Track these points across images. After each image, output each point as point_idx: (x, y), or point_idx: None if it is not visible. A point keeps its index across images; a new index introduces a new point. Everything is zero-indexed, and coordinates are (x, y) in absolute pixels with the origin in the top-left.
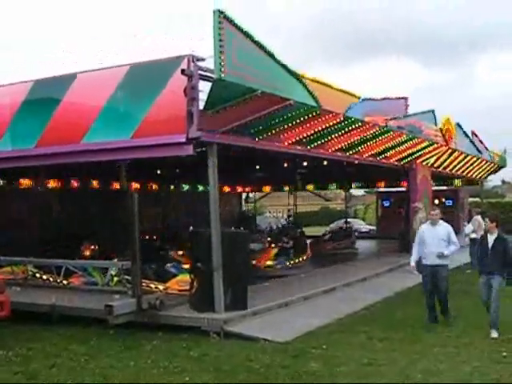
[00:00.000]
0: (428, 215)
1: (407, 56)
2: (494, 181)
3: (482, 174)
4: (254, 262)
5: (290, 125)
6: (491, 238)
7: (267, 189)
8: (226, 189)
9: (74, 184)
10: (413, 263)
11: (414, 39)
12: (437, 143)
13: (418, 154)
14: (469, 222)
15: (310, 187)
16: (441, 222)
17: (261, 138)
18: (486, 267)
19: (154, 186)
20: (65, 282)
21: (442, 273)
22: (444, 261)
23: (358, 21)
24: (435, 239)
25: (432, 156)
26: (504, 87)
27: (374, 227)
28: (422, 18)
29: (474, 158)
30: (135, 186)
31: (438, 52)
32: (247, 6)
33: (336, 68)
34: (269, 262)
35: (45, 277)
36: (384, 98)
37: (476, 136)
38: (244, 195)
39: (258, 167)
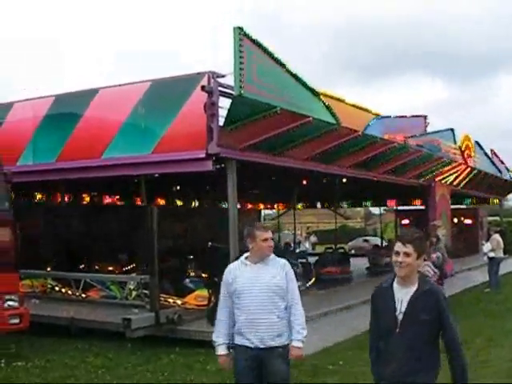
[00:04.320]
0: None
1: (429, 73)
2: None
3: (501, 192)
4: None
5: (308, 142)
6: (403, 293)
7: (284, 206)
8: (246, 205)
9: (94, 199)
10: (220, 345)
11: (436, 56)
12: (456, 161)
13: (436, 172)
14: (487, 241)
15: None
16: (273, 257)
17: (280, 154)
18: (388, 364)
19: (175, 202)
20: (83, 295)
21: (278, 363)
22: (283, 337)
23: (379, 38)
24: (260, 292)
25: (451, 174)
26: None
27: None
28: (444, 34)
29: (493, 177)
30: (156, 201)
31: (461, 69)
32: (263, 25)
33: (357, 84)
34: None
35: (64, 290)
36: (403, 116)
37: (496, 155)
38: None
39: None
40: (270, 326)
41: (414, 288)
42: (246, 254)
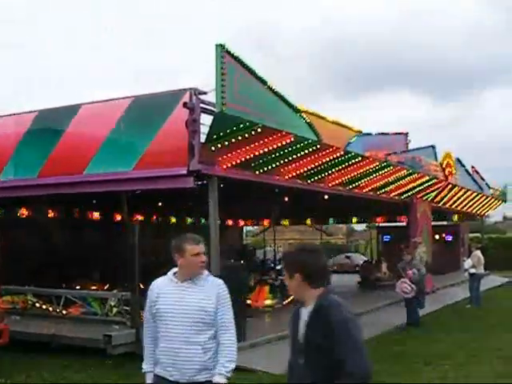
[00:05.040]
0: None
1: (412, 90)
2: (495, 216)
3: (482, 209)
4: (248, 301)
5: (290, 159)
6: (304, 314)
7: (267, 223)
8: (228, 222)
9: (76, 214)
10: (148, 372)
11: (419, 74)
12: (437, 178)
13: (418, 189)
14: (468, 257)
15: (308, 221)
16: (207, 275)
17: (261, 171)
18: None
19: (156, 219)
20: (64, 311)
21: None
22: (211, 371)
23: (362, 55)
24: (183, 317)
25: (432, 191)
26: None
27: None
28: (425, 51)
29: (474, 194)
30: (137, 217)
31: (443, 86)
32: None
33: (340, 101)
34: (268, 302)
35: (44, 306)
36: (384, 133)
37: (476, 172)
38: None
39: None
40: (193, 359)
41: (311, 308)
42: (174, 269)
